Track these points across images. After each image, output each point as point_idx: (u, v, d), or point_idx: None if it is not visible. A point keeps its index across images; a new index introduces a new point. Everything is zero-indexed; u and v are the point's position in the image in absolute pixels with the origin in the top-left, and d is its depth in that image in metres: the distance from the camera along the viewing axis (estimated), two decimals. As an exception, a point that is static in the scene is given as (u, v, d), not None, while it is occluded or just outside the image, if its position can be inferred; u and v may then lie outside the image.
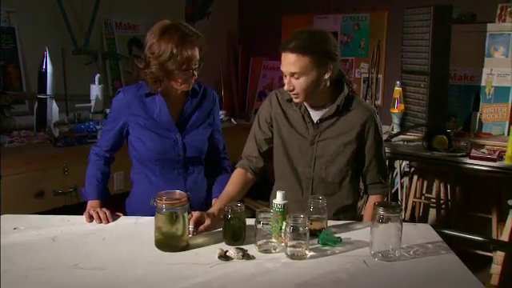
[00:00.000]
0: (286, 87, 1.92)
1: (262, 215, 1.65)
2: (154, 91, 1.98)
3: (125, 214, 2.02)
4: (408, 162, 3.99)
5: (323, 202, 1.79)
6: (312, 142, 2.01)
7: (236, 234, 1.70)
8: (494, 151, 3.14)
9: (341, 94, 2.00)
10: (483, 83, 3.84)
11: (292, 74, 1.88)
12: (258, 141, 2.10)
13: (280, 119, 2.06)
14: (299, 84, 1.89)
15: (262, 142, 2.10)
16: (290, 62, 1.86)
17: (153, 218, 1.67)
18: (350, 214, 2.08)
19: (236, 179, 2.06)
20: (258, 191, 2.24)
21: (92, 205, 1.97)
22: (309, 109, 2.01)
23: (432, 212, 3.96)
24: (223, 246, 1.68)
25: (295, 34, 1.90)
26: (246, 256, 1.60)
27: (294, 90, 1.91)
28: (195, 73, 1.94)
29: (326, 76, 1.91)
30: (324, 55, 1.88)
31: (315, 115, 2.01)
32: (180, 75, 1.91)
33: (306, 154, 2.02)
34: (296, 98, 1.95)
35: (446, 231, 3.11)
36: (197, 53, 1.91)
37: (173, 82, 1.95)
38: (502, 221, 3.42)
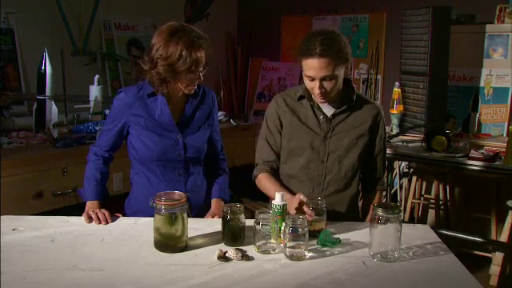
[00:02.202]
0: (316, 91, 1.93)
1: (261, 216, 1.65)
2: (161, 92, 1.98)
3: (124, 215, 2.02)
4: (407, 163, 4.00)
5: (322, 203, 1.80)
6: (325, 137, 2.03)
7: (235, 235, 1.70)
8: (493, 152, 3.14)
9: (350, 90, 2.06)
10: (482, 84, 3.85)
11: (324, 78, 1.90)
12: (272, 145, 2.12)
13: (289, 118, 2.08)
14: (331, 85, 1.92)
15: (276, 145, 2.12)
16: (321, 66, 1.87)
17: (152, 218, 1.67)
18: (355, 212, 2.11)
19: (269, 178, 2.07)
20: (257, 192, 2.24)
21: (91, 205, 1.97)
22: (321, 105, 2.04)
23: (431, 213, 3.96)
24: (222, 246, 1.68)
25: (311, 38, 1.90)
26: (246, 257, 1.60)
27: (324, 92, 1.93)
28: (201, 75, 1.95)
29: (346, 73, 1.98)
30: (346, 54, 1.92)
31: (327, 111, 2.04)
32: (187, 77, 1.91)
33: (319, 149, 2.04)
34: (323, 98, 1.97)
35: (445, 232, 3.12)
36: (204, 56, 1.91)
37: (178, 84, 1.95)
38: (500, 221, 3.42)
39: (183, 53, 1.85)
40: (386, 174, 3.52)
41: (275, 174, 2.10)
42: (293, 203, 1.77)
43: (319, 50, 1.85)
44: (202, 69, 1.92)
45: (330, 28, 2.06)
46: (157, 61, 1.89)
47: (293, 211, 1.76)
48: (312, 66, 1.89)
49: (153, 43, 1.91)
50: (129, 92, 2.03)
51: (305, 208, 1.74)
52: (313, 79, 1.91)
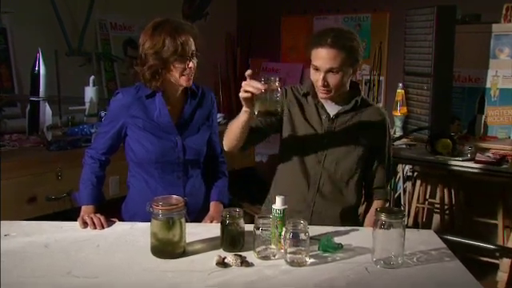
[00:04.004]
0: (319, 83, 1.94)
1: (261, 221, 1.66)
2: (154, 88, 1.99)
3: (120, 220, 2.02)
4: (411, 167, 4.00)
5: (275, 79, 1.71)
6: (325, 136, 2.04)
7: (234, 240, 1.70)
8: (500, 155, 3.14)
9: (357, 93, 2.07)
10: (488, 85, 3.85)
11: (329, 70, 1.92)
12: (258, 123, 2.03)
13: (294, 111, 2.08)
14: (335, 79, 1.94)
15: (260, 125, 2.04)
16: (329, 56, 1.90)
17: (149, 223, 1.67)
18: (353, 218, 2.09)
19: None
20: (257, 196, 2.24)
21: (86, 210, 1.97)
22: (325, 104, 2.05)
23: (436, 217, 3.96)
24: (221, 252, 1.68)
25: (325, 30, 1.95)
26: (245, 263, 1.60)
27: (327, 85, 1.94)
28: (193, 62, 1.96)
29: (354, 74, 2.00)
30: (356, 54, 1.95)
31: (331, 110, 2.05)
32: (176, 63, 1.93)
33: (317, 149, 2.04)
34: (326, 93, 1.98)
35: (450, 237, 3.11)
36: (191, 41, 1.95)
37: (171, 74, 1.96)
38: (508, 227, 3.42)
39: (166, 40, 1.91)
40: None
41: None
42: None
43: (330, 41, 1.89)
44: (191, 55, 1.94)
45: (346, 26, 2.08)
46: (146, 54, 1.94)
47: (243, 93, 1.72)
48: (320, 56, 1.92)
49: (140, 42, 1.98)
50: (126, 93, 2.04)
51: (253, 82, 1.69)
52: (318, 70, 1.93)
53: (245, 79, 1.72)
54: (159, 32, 1.93)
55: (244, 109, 1.81)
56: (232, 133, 1.95)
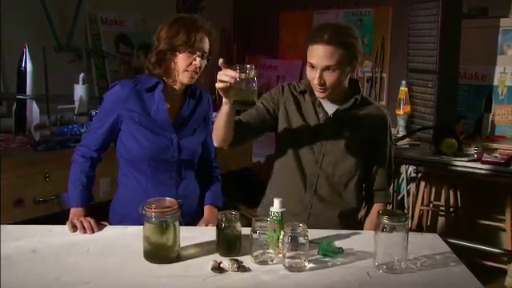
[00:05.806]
0: (315, 81, 1.94)
1: (259, 224, 1.66)
2: (156, 73, 2.03)
3: (108, 220, 2.02)
4: (415, 167, 4.01)
5: (251, 68, 1.69)
6: (323, 136, 2.04)
7: (231, 245, 1.71)
8: (508, 155, 3.15)
9: (357, 91, 2.07)
10: (496, 82, 3.86)
11: (326, 68, 1.92)
12: (251, 114, 2.03)
13: (291, 109, 2.08)
14: (332, 77, 1.93)
15: (254, 119, 2.04)
16: (326, 54, 1.89)
17: (141, 226, 1.68)
18: (353, 221, 2.10)
19: None
20: (254, 198, 2.24)
21: (75, 213, 1.97)
22: (323, 102, 2.05)
23: (441, 220, 3.97)
24: (217, 257, 1.68)
25: (322, 26, 1.96)
26: (242, 268, 1.60)
27: (323, 84, 1.94)
28: (201, 61, 2.00)
29: (352, 72, 2.00)
30: (354, 51, 1.95)
31: (329, 109, 2.06)
32: (184, 54, 1.97)
33: (315, 148, 2.04)
34: (322, 92, 1.98)
35: (456, 241, 3.12)
36: (206, 41, 2.01)
37: (176, 65, 1.99)
38: (515, 230, 3.43)
39: (181, 30, 1.97)
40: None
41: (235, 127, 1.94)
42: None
43: (327, 38, 1.89)
44: (201, 52, 1.99)
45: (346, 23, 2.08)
46: (158, 38, 2.02)
47: (218, 83, 1.70)
48: (316, 53, 1.92)
49: (157, 31, 2.05)
50: (124, 85, 2.05)
51: (227, 71, 1.67)
52: (314, 68, 1.93)
53: (219, 69, 1.70)
54: (178, 23, 2.00)
55: (224, 100, 1.79)
56: (217, 126, 1.93)
